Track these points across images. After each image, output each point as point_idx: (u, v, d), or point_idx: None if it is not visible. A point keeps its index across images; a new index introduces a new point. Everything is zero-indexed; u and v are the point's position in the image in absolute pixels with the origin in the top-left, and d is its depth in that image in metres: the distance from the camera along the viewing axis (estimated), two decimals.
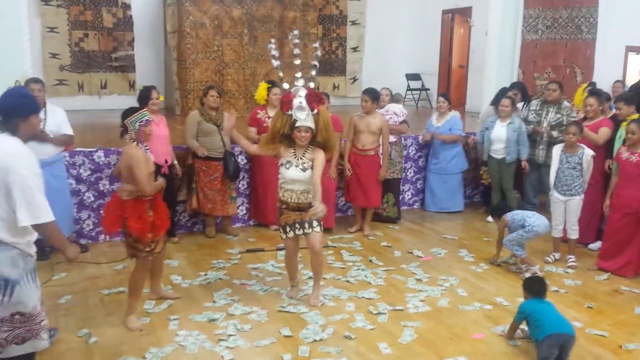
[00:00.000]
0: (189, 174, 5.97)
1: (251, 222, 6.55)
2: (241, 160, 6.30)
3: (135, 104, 5.30)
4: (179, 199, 6.03)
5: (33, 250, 2.96)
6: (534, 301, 3.85)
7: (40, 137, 4.88)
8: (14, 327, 2.86)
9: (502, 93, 6.85)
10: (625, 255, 5.10)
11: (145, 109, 4.09)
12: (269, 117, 5.87)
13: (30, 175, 2.81)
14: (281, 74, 4.30)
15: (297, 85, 4.20)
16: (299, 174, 4.20)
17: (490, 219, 6.82)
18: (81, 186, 5.75)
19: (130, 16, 10.43)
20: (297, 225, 4.30)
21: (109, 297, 4.52)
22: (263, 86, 6.19)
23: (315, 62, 4.32)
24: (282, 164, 4.29)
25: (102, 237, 5.75)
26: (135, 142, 3.90)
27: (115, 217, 3.87)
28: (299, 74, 4.23)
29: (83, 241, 5.72)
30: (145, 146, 4.01)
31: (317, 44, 4.61)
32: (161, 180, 4.06)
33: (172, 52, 9.78)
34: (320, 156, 4.26)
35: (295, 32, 4.51)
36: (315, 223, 4.29)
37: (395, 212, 6.74)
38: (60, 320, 4.07)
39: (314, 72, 4.32)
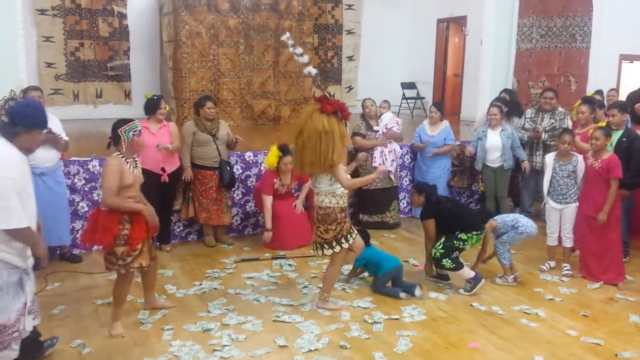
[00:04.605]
0: (185, 182, 5.95)
1: (245, 232, 6.53)
2: (237, 169, 6.30)
3: (131, 114, 5.30)
4: (175, 208, 6.01)
5: (21, 262, 2.90)
6: (367, 249, 4.84)
7: (53, 140, 4.88)
8: None
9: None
10: (603, 264, 5.08)
11: (136, 120, 4.06)
12: (282, 186, 5.95)
13: (5, 179, 2.76)
14: (313, 72, 4.27)
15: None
16: None
17: None
18: (75, 196, 5.73)
19: (126, 25, 10.47)
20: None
21: (102, 307, 4.49)
22: (274, 152, 5.87)
23: (306, 62, 4.26)
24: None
25: (95, 247, 5.71)
26: (118, 153, 3.89)
27: (92, 228, 3.85)
28: (313, 71, 4.24)
29: (76, 251, 5.69)
30: (135, 158, 3.99)
31: (286, 35, 4.34)
32: (140, 205, 3.93)
33: (168, 61, 9.79)
34: None
35: (287, 34, 4.37)
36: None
37: (398, 218, 6.84)
38: (53, 330, 4.04)
39: (313, 72, 4.28)
